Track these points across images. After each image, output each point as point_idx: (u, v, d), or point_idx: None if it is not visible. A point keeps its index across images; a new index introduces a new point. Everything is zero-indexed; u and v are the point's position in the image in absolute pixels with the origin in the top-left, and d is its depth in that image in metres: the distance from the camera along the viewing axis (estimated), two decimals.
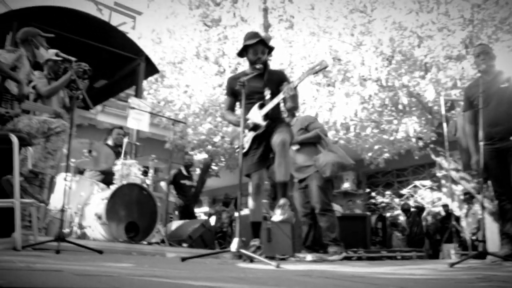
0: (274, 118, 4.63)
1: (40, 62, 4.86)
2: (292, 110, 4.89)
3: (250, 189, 4.78)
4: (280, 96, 4.45)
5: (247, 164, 4.72)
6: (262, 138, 4.63)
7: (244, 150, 4.68)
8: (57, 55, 4.69)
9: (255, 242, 4.56)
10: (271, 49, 4.88)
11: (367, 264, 5.10)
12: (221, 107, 12.24)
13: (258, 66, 4.63)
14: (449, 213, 12.28)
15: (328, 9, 10.52)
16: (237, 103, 4.93)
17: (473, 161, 5.21)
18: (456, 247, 10.79)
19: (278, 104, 4.61)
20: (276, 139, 4.39)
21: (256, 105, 4.63)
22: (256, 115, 4.61)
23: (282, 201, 4.28)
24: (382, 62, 9.64)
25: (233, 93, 4.87)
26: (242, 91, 4.29)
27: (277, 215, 4.30)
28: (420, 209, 13.43)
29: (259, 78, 4.72)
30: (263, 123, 4.56)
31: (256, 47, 4.72)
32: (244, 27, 12.97)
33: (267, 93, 4.61)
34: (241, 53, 4.87)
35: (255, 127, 4.63)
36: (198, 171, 14.05)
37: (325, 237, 5.94)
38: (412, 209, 13.51)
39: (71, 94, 4.35)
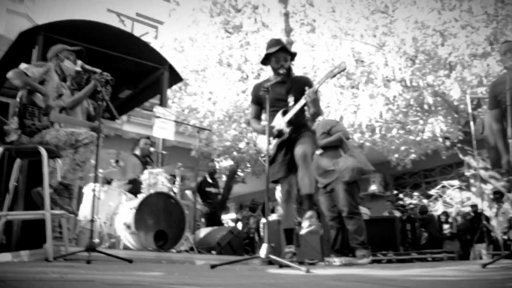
0: (298, 125, 4.61)
1: (67, 74, 4.93)
2: (315, 116, 4.85)
3: (279, 195, 4.78)
4: (302, 101, 4.44)
5: (274, 171, 4.71)
6: (288, 145, 4.61)
7: (270, 157, 4.68)
8: (82, 67, 4.75)
9: (290, 249, 4.54)
10: (293, 55, 4.84)
11: (398, 267, 5.04)
12: (245, 113, 12.27)
13: (281, 71, 4.63)
14: (478, 213, 12.12)
15: (349, 11, 10.49)
16: (263, 111, 4.92)
17: (504, 161, 5.10)
18: (487, 247, 10.64)
19: (302, 111, 4.57)
20: (298, 151, 4.38)
21: (280, 112, 4.62)
22: (280, 122, 4.60)
23: (308, 213, 4.25)
24: (406, 62, 9.57)
25: (258, 101, 4.84)
26: (266, 97, 4.29)
27: (304, 228, 4.27)
28: (429, 217, 13.22)
29: (282, 85, 4.71)
30: (287, 130, 4.55)
31: (278, 55, 4.70)
32: (265, 32, 13.00)
33: (291, 100, 4.58)
34: (264, 62, 4.86)
35: (279, 133, 4.62)
36: (224, 178, 14.09)
37: (353, 240, 5.90)
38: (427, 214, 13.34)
39: (96, 104, 4.40)
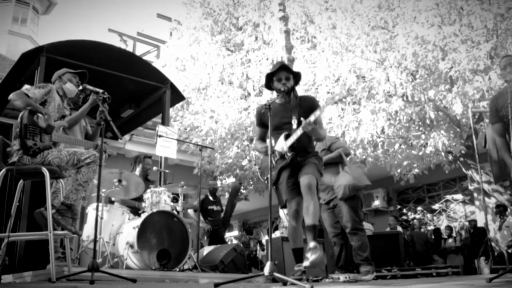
0: (301, 149, 4.60)
1: (69, 97, 4.96)
2: (318, 141, 4.85)
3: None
4: (298, 131, 4.44)
5: (280, 195, 4.71)
6: (293, 168, 4.59)
7: (273, 180, 4.68)
8: (84, 87, 4.78)
9: (299, 267, 4.50)
10: (295, 74, 4.81)
11: (402, 283, 5.02)
12: (247, 130, 12.29)
13: (282, 89, 4.63)
14: (477, 228, 12.10)
15: (349, 27, 10.53)
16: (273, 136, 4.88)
17: None
18: (486, 261, 10.61)
19: (306, 134, 4.54)
20: (303, 181, 4.36)
21: (282, 136, 4.60)
22: (282, 146, 4.59)
23: (312, 244, 4.23)
24: (407, 77, 9.59)
25: (262, 123, 4.80)
26: (268, 114, 4.30)
27: (308, 260, 4.24)
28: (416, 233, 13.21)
29: (287, 106, 4.70)
30: (289, 155, 4.54)
31: (279, 74, 4.69)
32: (266, 50, 13.06)
33: (294, 123, 4.56)
34: (268, 85, 4.86)
35: (282, 157, 4.62)
36: (227, 195, 14.08)
37: (357, 256, 5.88)
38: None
39: (95, 124, 4.41)
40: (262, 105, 4.76)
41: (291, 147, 4.54)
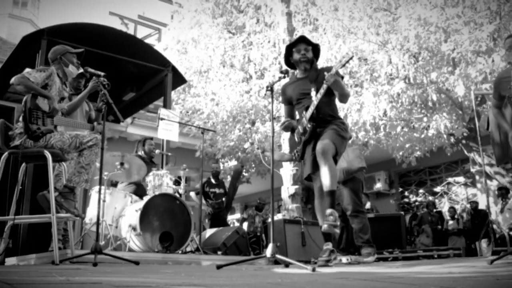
0: (322, 119, 4.53)
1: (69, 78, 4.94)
2: (343, 99, 4.71)
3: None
4: (322, 90, 4.36)
5: (304, 168, 4.68)
6: (315, 140, 4.50)
7: (299, 156, 4.67)
8: (85, 70, 4.76)
9: (327, 246, 4.42)
10: (314, 45, 4.79)
11: (404, 264, 5.04)
12: (249, 113, 12.28)
13: (303, 60, 4.62)
14: (478, 210, 12.12)
15: (351, 9, 10.47)
16: (295, 110, 4.85)
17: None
18: (488, 242, 10.64)
19: (327, 102, 4.51)
20: (318, 147, 4.30)
21: (304, 109, 4.57)
22: (303, 120, 4.57)
23: (328, 211, 4.15)
24: (409, 59, 9.55)
25: (288, 101, 4.80)
26: (289, 87, 4.32)
27: (323, 226, 4.19)
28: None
29: (306, 79, 4.68)
30: (309, 126, 4.50)
31: (299, 46, 4.69)
32: (268, 32, 13.00)
33: (313, 94, 4.50)
34: (287, 62, 4.83)
35: (304, 132, 4.59)
36: (229, 178, 14.10)
37: (358, 239, 5.90)
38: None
39: (100, 107, 4.40)
40: (286, 84, 4.83)
41: (311, 119, 4.49)
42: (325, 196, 4.29)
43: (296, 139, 4.70)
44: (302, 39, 4.74)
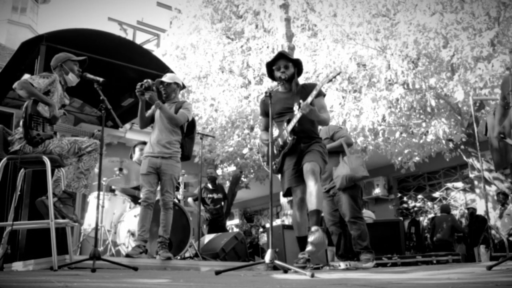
0: (304, 135, 4.60)
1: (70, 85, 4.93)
2: (321, 124, 4.83)
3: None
4: (298, 114, 4.44)
5: (284, 182, 4.71)
6: (297, 155, 4.59)
7: (277, 168, 4.70)
8: (84, 76, 4.75)
9: (304, 255, 4.47)
10: (294, 61, 4.81)
11: (403, 270, 5.03)
12: (248, 119, 12.28)
13: (283, 77, 4.63)
14: (476, 216, 12.08)
15: (350, 15, 10.49)
16: (276, 124, 4.88)
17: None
18: (485, 248, 10.63)
19: (309, 119, 4.54)
20: (306, 167, 4.38)
21: (285, 122, 4.63)
22: (284, 132, 4.61)
23: (314, 228, 4.24)
24: (408, 65, 9.56)
25: (266, 112, 4.77)
26: (268, 102, 4.29)
27: (310, 243, 4.25)
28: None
29: (288, 94, 4.71)
30: (290, 139, 4.55)
31: (278, 63, 4.72)
32: (267, 38, 13.02)
33: (296, 109, 4.53)
34: (270, 75, 4.87)
35: (284, 145, 4.62)
36: (228, 184, 14.08)
37: (356, 245, 5.89)
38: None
39: (100, 114, 4.40)
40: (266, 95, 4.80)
41: (293, 132, 4.54)
42: (310, 215, 4.36)
43: (275, 151, 4.72)
44: (281, 56, 4.76)
